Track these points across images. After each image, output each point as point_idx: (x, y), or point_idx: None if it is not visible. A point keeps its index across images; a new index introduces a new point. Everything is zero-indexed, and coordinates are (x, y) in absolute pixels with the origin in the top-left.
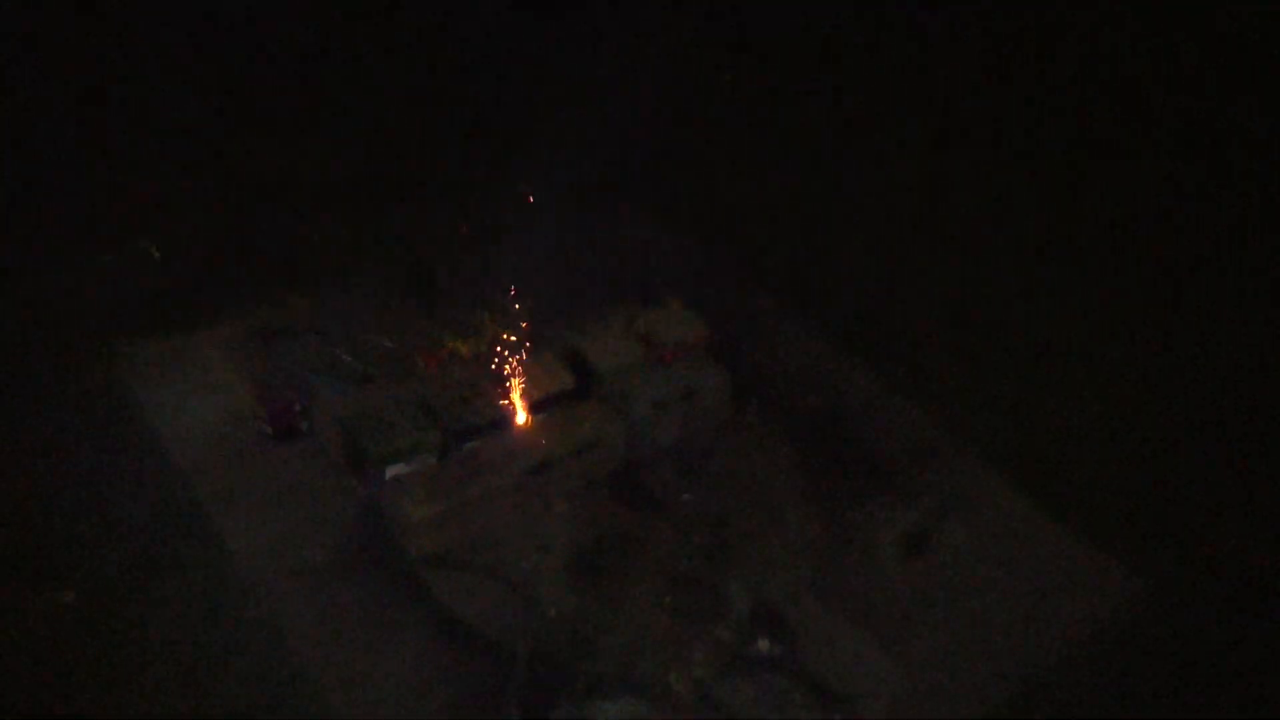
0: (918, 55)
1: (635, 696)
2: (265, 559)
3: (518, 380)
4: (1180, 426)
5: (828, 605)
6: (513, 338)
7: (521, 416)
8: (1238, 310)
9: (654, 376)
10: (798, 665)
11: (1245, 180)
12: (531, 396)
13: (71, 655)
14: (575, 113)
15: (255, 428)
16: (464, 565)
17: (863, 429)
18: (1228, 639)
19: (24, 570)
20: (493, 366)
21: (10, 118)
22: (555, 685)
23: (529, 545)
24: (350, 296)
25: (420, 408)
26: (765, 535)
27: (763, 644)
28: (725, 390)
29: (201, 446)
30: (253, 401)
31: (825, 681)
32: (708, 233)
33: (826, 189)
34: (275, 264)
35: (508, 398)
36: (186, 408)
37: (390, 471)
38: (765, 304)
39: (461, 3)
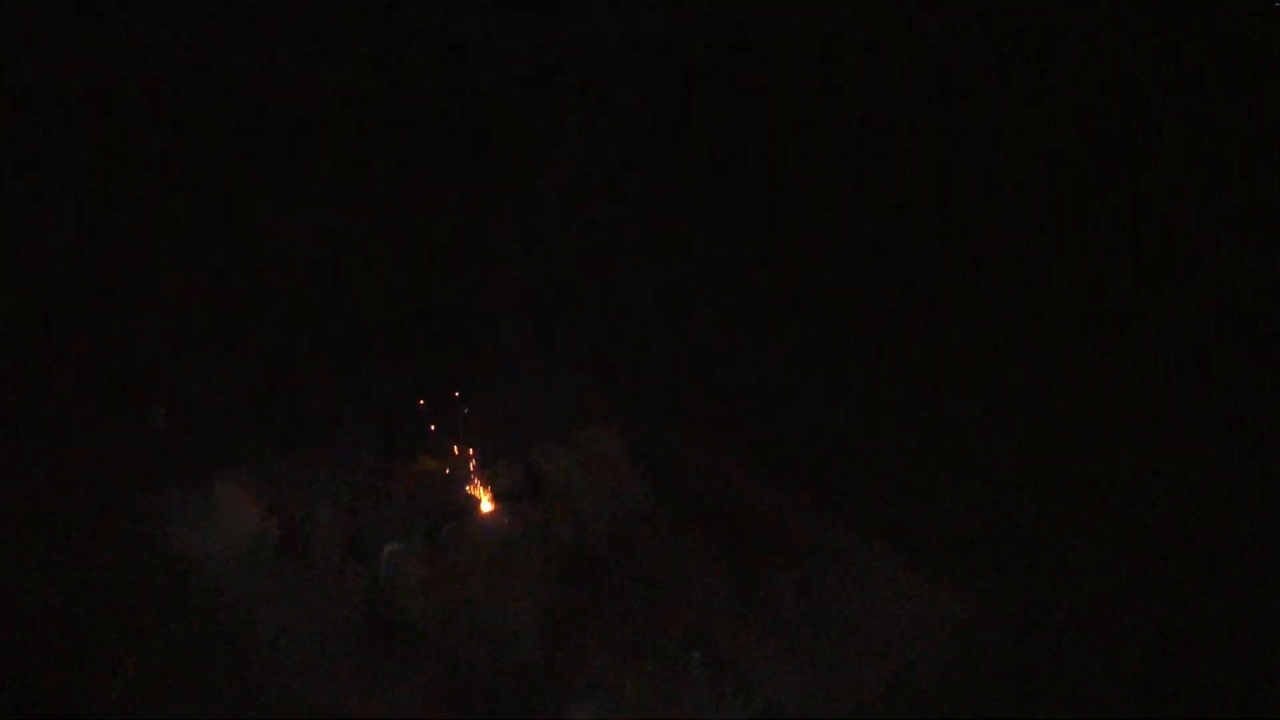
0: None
1: (601, 699)
2: (286, 636)
3: (482, 481)
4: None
5: (742, 629)
6: (477, 452)
7: (487, 505)
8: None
9: (590, 480)
10: (725, 669)
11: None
12: (494, 491)
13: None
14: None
15: (266, 542)
16: (451, 619)
17: (757, 512)
18: (1049, 645)
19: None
20: (467, 470)
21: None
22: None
23: (503, 603)
24: (341, 438)
25: (406, 503)
26: (689, 588)
27: (696, 655)
28: (648, 488)
29: (224, 557)
30: (262, 523)
31: (747, 680)
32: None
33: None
34: (279, 418)
35: (475, 492)
36: (208, 532)
37: (387, 549)
38: (678, 426)
39: None
